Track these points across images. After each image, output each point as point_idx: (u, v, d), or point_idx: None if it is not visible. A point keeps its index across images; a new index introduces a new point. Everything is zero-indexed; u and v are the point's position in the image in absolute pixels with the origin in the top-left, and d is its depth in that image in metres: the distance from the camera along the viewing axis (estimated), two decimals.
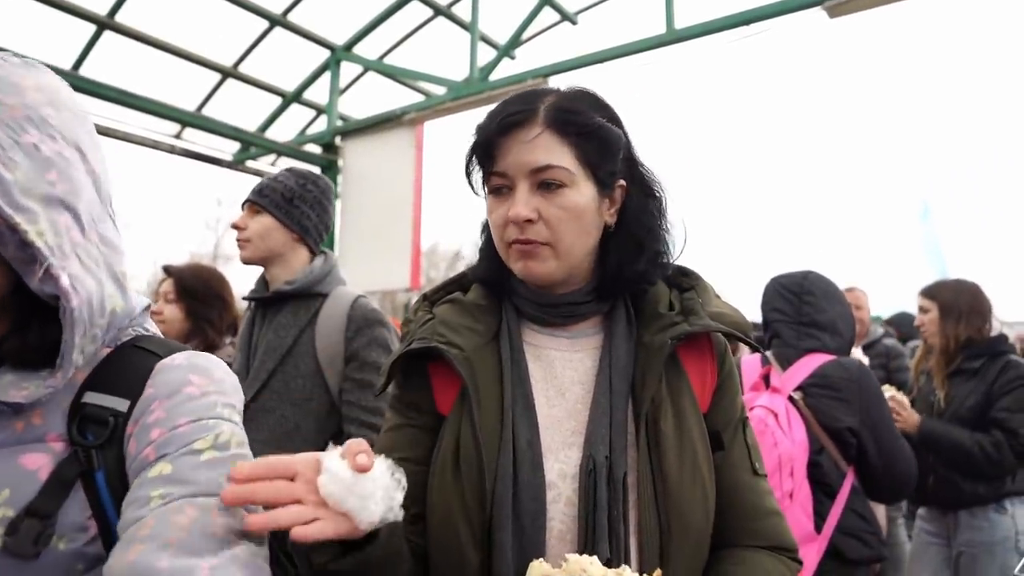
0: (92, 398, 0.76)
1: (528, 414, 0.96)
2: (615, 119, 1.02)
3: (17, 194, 0.68)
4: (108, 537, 0.73)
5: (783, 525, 1.03)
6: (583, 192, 0.96)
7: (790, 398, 2.08)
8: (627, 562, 0.91)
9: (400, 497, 0.74)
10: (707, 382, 1.04)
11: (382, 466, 0.73)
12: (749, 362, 2.30)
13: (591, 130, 0.97)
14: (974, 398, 2.70)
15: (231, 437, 0.77)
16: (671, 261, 1.08)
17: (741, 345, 2.24)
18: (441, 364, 0.99)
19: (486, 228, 1.10)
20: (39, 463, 0.71)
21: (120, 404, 0.76)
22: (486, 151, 0.97)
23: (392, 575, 0.83)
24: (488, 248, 1.08)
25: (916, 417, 2.74)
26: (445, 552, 0.93)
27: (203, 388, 0.78)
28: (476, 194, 1.06)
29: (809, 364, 2.16)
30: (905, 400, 2.78)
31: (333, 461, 0.71)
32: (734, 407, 1.06)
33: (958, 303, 2.82)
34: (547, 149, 0.95)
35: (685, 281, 1.09)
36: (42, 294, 0.72)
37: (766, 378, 2.20)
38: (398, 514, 0.74)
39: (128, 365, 0.79)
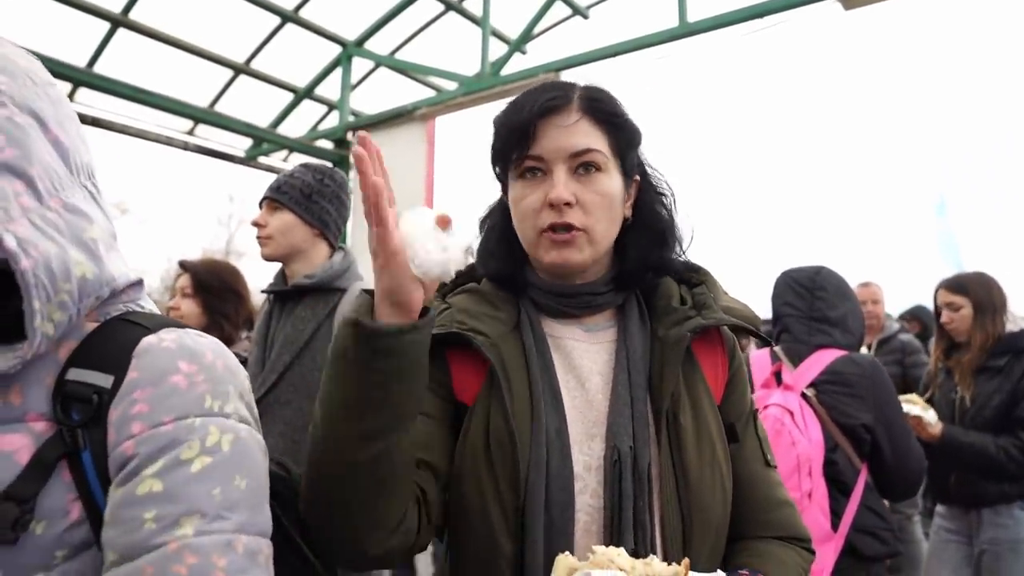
0: (75, 374, 0.73)
1: (556, 403, 0.97)
2: (629, 114, 1.05)
3: None
4: (96, 521, 0.71)
5: (796, 515, 1.05)
6: (614, 179, 0.99)
7: (803, 395, 2.06)
8: (652, 552, 0.91)
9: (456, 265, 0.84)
10: (719, 375, 1.06)
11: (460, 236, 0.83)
12: (758, 358, 2.29)
13: (621, 119, 1.00)
14: (999, 397, 2.65)
15: (221, 437, 0.73)
16: (680, 257, 1.10)
17: (748, 340, 2.22)
18: (461, 352, 0.99)
19: (487, 222, 1.12)
20: (16, 444, 0.69)
21: (104, 380, 0.73)
22: (523, 135, 0.97)
23: (418, 376, 0.84)
24: (496, 244, 1.08)
25: (939, 428, 2.65)
26: (478, 539, 0.94)
27: (191, 377, 0.74)
28: (500, 180, 1.06)
29: (821, 360, 2.15)
30: (927, 415, 2.65)
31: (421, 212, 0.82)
32: (745, 399, 1.09)
33: (992, 298, 2.76)
34: (585, 134, 0.97)
35: (694, 276, 1.11)
36: None
37: (777, 375, 2.18)
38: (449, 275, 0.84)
39: (112, 338, 0.76)
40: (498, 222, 1.10)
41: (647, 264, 1.05)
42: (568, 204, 0.95)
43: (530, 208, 0.98)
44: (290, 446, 1.86)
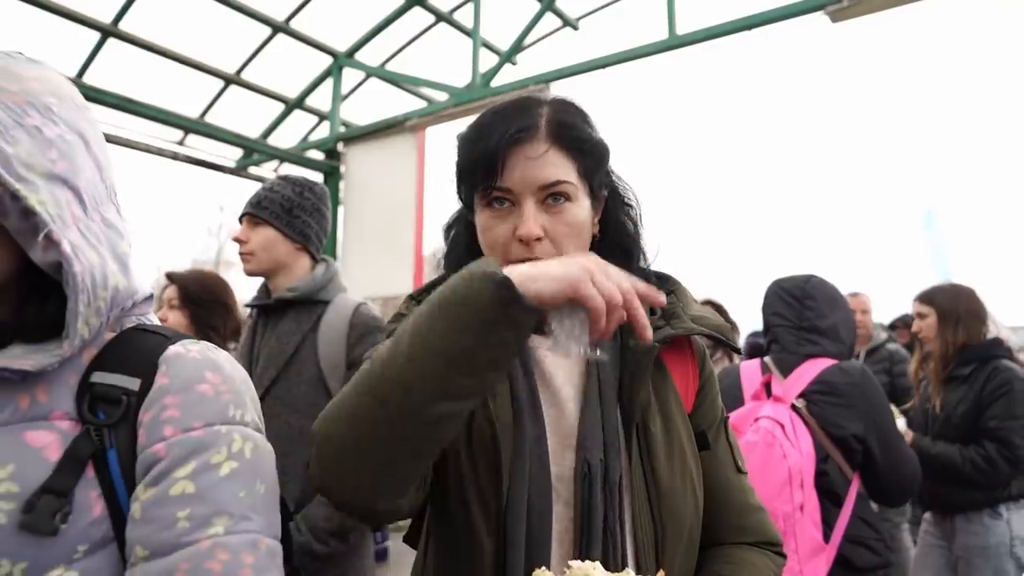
0: (101, 377, 0.77)
1: (535, 411, 0.97)
2: (597, 129, 1.03)
3: (18, 166, 0.72)
4: (118, 518, 0.74)
5: (768, 520, 1.07)
6: (583, 206, 0.97)
7: (793, 406, 2.04)
8: (624, 562, 0.92)
9: None
10: (690, 384, 1.07)
11: None
12: (748, 369, 2.26)
13: (588, 144, 0.97)
14: (964, 405, 2.69)
15: (243, 444, 0.79)
16: (648, 267, 1.09)
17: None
18: None
19: (455, 236, 1.10)
20: (45, 441, 0.72)
21: (131, 383, 0.77)
22: (490, 166, 0.94)
23: (512, 360, 0.84)
24: (464, 259, 1.03)
25: (908, 438, 2.70)
26: (459, 533, 0.93)
27: (216, 387, 0.80)
28: (465, 204, 1.04)
29: (810, 370, 2.13)
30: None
31: None
32: (716, 407, 1.09)
33: (956, 307, 2.80)
34: (555, 165, 0.94)
35: (664, 286, 1.11)
36: (45, 266, 0.74)
37: (767, 386, 2.15)
38: None
39: (135, 345, 0.81)
40: (463, 236, 1.08)
41: None
42: (538, 239, 0.93)
43: (498, 241, 0.96)
44: (278, 459, 1.84)
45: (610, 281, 0.78)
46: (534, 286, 0.76)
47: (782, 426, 1.98)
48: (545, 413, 0.98)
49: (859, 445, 2.02)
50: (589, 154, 0.97)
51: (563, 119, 0.96)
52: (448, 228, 1.13)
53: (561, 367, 1.02)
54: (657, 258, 1.11)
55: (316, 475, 0.82)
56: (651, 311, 1.05)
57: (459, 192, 1.04)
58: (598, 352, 0.82)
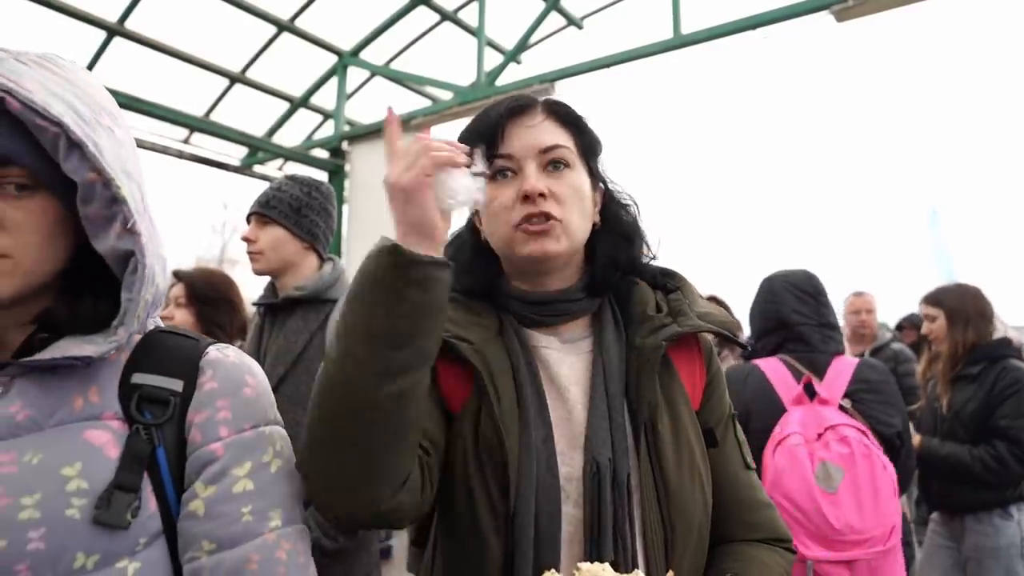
0: (143, 379, 0.81)
1: (542, 411, 0.97)
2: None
3: (108, 158, 0.76)
4: (166, 512, 0.78)
5: (777, 517, 1.07)
6: (583, 176, 1.03)
7: (841, 407, 1.96)
8: (634, 562, 0.92)
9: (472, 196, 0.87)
10: (697, 381, 1.07)
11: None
12: (772, 368, 2.11)
13: (583, 123, 1.06)
14: (973, 404, 2.68)
15: (282, 443, 0.87)
16: (653, 262, 1.12)
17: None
18: (447, 360, 0.98)
19: (458, 245, 1.11)
20: (103, 439, 0.75)
21: (174, 384, 0.81)
22: (491, 136, 1.00)
23: (440, 318, 0.84)
24: (469, 260, 1.08)
25: (916, 440, 2.70)
26: (467, 535, 0.94)
27: (257, 389, 0.86)
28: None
29: (843, 369, 2.09)
30: None
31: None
32: (723, 404, 1.10)
33: (964, 308, 2.81)
34: (552, 132, 1.02)
35: (669, 283, 1.12)
36: (111, 254, 0.77)
37: (807, 387, 2.02)
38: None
39: (167, 347, 0.85)
40: (467, 239, 1.10)
41: (617, 264, 1.06)
42: (543, 195, 0.97)
43: (502, 206, 0.99)
44: None
45: (399, 162, 0.86)
46: (408, 230, 0.83)
47: (865, 433, 1.88)
48: (552, 414, 0.99)
49: (899, 442, 2.01)
50: (584, 132, 1.05)
51: (558, 102, 1.05)
52: (448, 246, 1.11)
53: (567, 366, 1.03)
54: (660, 251, 1.12)
55: (312, 496, 0.85)
56: (657, 308, 1.06)
57: None
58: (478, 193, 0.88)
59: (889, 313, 5.85)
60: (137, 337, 0.85)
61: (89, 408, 0.77)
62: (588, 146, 1.05)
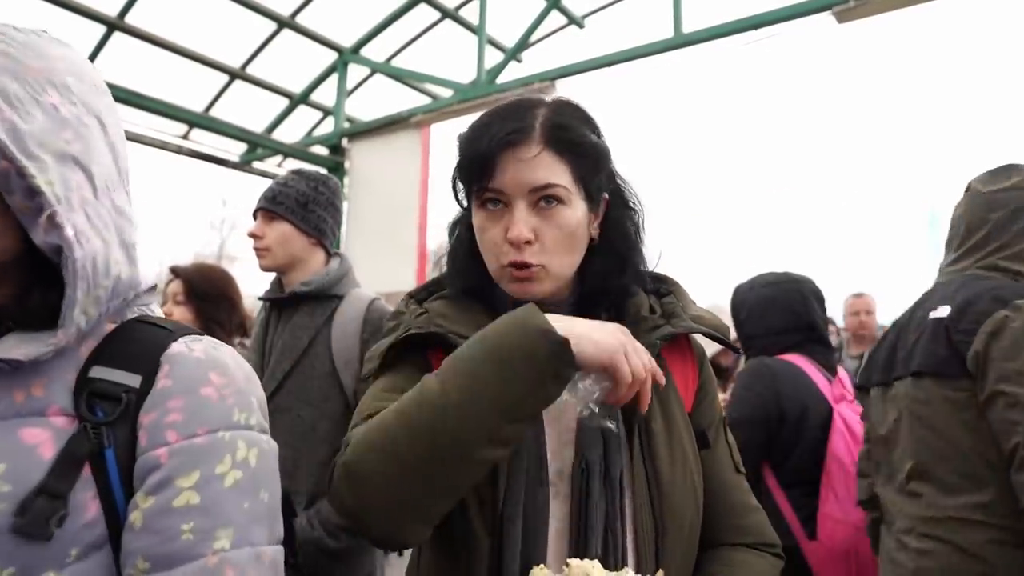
0: (100, 372, 0.74)
1: None
2: (599, 132, 1.03)
3: (30, 143, 0.69)
4: (113, 521, 0.71)
5: (766, 521, 1.07)
6: (577, 209, 0.97)
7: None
8: (624, 560, 0.92)
9: None
10: (690, 383, 1.08)
11: None
12: (809, 367, 2.22)
13: (585, 147, 0.97)
14: None
15: (248, 451, 0.76)
16: (646, 270, 1.10)
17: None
18: (441, 355, 0.97)
19: (458, 239, 1.10)
20: (39, 438, 0.69)
21: (132, 379, 0.74)
22: (483, 167, 0.96)
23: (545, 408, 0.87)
24: (467, 263, 1.07)
25: None
26: (455, 529, 0.93)
27: (220, 389, 0.76)
28: (461, 206, 1.06)
29: (841, 371, 2.28)
30: None
31: None
32: (715, 407, 1.10)
33: None
34: (547, 168, 0.95)
35: (662, 287, 1.13)
36: (46, 248, 0.71)
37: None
38: None
39: (136, 339, 0.78)
40: (464, 238, 1.09)
41: (606, 290, 1.04)
42: (528, 242, 0.94)
43: (492, 241, 0.98)
44: (290, 453, 1.85)
45: (639, 359, 0.87)
46: (579, 348, 0.83)
47: None
48: (545, 411, 0.98)
49: None
50: (585, 156, 0.98)
51: (559, 121, 0.97)
52: (452, 227, 1.13)
53: None
54: (660, 262, 1.11)
55: (346, 502, 0.83)
56: (651, 310, 1.06)
57: (455, 192, 1.06)
58: (606, 421, 0.91)
59: (889, 314, 5.85)
60: (109, 327, 0.79)
61: (30, 403, 0.70)
62: (589, 169, 0.99)
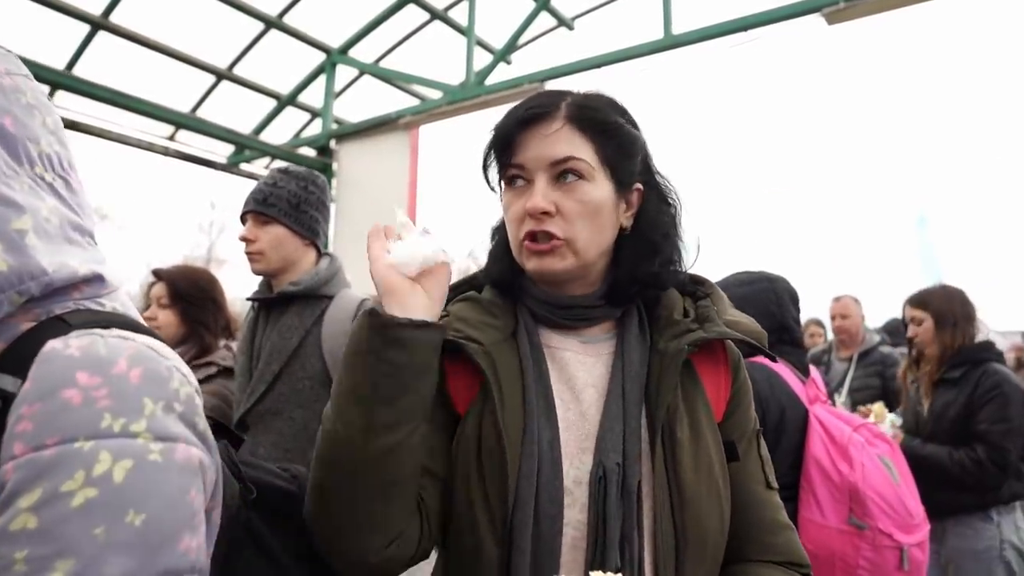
0: None
1: (549, 414, 0.95)
2: (634, 123, 1.03)
3: None
4: None
5: (796, 540, 1.01)
6: (601, 188, 0.96)
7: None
8: (641, 572, 0.89)
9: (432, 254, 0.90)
10: (721, 391, 1.03)
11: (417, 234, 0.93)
12: (783, 370, 2.19)
13: (610, 128, 0.98)
14: (955, 408, 2.69)
15: (112, 465, 0.61)
16: (684, 270, 1.07)
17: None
18: (456, 360, 0.97)
19: (497, 231, 1.10)
20: None
21: (11, 384, 0.63)
22: (505, 144, 0.98)
23: (426, 376, 0.87)
24: (499, 249, 1.07)
25: (898, 439, 2.71)
26: (464, 536, 0.91)
27: (88, 391, 0.63)
28: (492, 190, 1.05)
29: (813, 371, 2.27)
30: (881, 426, 2.65)
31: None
32: (748, 418, 1.05)
33: (952, 310, 2.81)
34: (568, 142, 0.95)
35: (699, 289, 1.09)
36: None
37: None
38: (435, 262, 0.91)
39: (30, 339, 0.67)
40: (501, 229, 1.09)
41: (636, 278, 1.01)
42: (546, 213, 0.93)
43: (514, 217, 0.98)
44: (282, 455, 1.82)
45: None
46: (384, 297, 0.87)
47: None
48: (564, 415, 0.96)
49: None
50: (610, 137, 0.97)
51: (585, 103, 0.98)
52: (494, 232, 1.12)
53: (584, 367, 1.00)
54: (696, 258, 1.08)
55: (308, 520, 0.88)
56: (685, 314, 1.03)
57: (486, 178, 1.05)
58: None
59: (877, 315, 5.87)
60: (26, 325, 0.69)
61: None
62: (615, 151, 0.97)
